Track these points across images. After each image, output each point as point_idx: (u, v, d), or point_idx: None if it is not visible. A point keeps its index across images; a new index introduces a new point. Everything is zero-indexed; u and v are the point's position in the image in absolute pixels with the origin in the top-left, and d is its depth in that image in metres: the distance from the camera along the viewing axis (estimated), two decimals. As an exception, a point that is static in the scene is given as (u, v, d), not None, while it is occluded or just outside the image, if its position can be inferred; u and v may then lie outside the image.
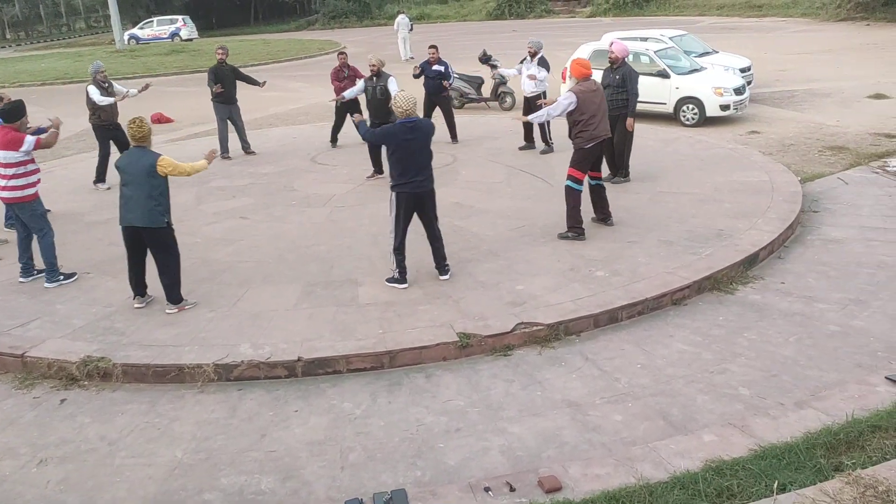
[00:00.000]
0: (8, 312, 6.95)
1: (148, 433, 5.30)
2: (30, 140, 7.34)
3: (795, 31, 29.18)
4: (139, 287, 6.95)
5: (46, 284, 7.51)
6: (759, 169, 10.35)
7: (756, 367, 5.71)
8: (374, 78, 10.41)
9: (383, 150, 9.47)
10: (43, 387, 5.97)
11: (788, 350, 5.94)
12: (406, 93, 6.97)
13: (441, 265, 7.28)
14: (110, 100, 10.69)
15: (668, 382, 5.57)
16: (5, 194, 7.47)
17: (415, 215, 7.09)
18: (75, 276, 7.65)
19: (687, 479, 4.21)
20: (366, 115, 9.54)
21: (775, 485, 3.89)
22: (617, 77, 9.71)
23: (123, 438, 5.24)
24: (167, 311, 6.82)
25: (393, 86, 10.12)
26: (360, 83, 10.89)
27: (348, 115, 11.18)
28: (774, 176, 9.96)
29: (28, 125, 7.67)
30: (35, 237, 7.59)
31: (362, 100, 10.89)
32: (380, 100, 10.25)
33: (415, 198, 6.98)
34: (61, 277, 7.55)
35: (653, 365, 5.83)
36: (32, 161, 7.49)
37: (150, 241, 6.73)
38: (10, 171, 7.35)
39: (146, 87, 11.48)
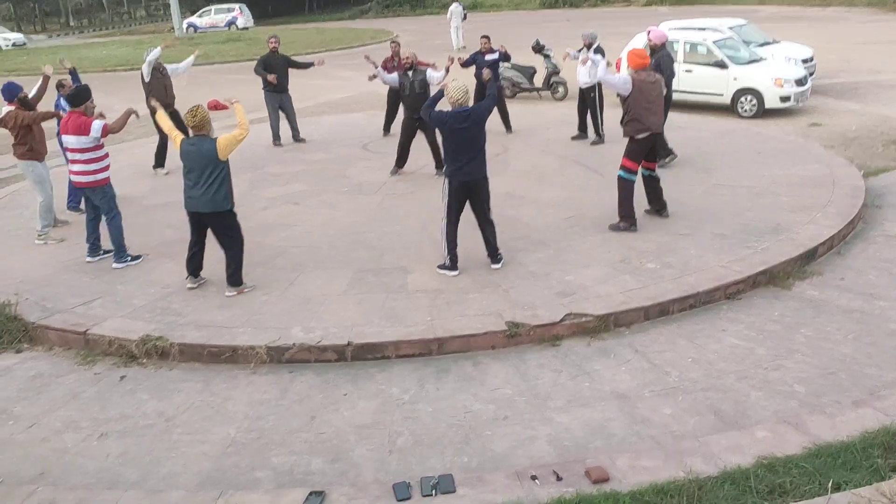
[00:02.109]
0: (72, 291, 7.21)
1: (203, 411, 5.45)
2: (97, 125, 7.57)
3: (861, 21, 28.18)
4: (195, 268, 7.13)
5: (115, 265, 7.76)
6: (820, 162, 10.06)
7: (812, 364, 5.58)
8: (410, 72, 10.00)
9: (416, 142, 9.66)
10: (104, 363, 6.18)
11: (847, 348, 5.79)
12: (458, 81, 6.98)
13: (493, 253, 7.28)
14: (148, 68, 10.85)
15: (720, 377, 5.48)
16: (79, 178, 7.72)
17: (468, 204, 7.11)
18: (141, 258, 7.88)
19: (738, 475, 4.15)
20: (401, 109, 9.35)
21: (830, 483, 3.82)
22: (653, 62, 9.55)
23: (180, 415, 5.40)
24: (227, 293, 6.99)
25: (431, 72, 9.82)
26: (394, 74, 10.37)
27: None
28: (836, 169, 9.67)
29: (94, 106, 7.88)
30: (104, 219, 7.84)
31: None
32: (418, 94, 9.84)
33: (466, 185, 7.00)
34: (129, 258, 7.80)
35: (704, 359, 5.75)
36: (102, 146, 7.73)
37: (215, 225, 6.91)
38: (84, 157, 7.60)
39: (197, 56, 11.99)
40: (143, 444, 5.08)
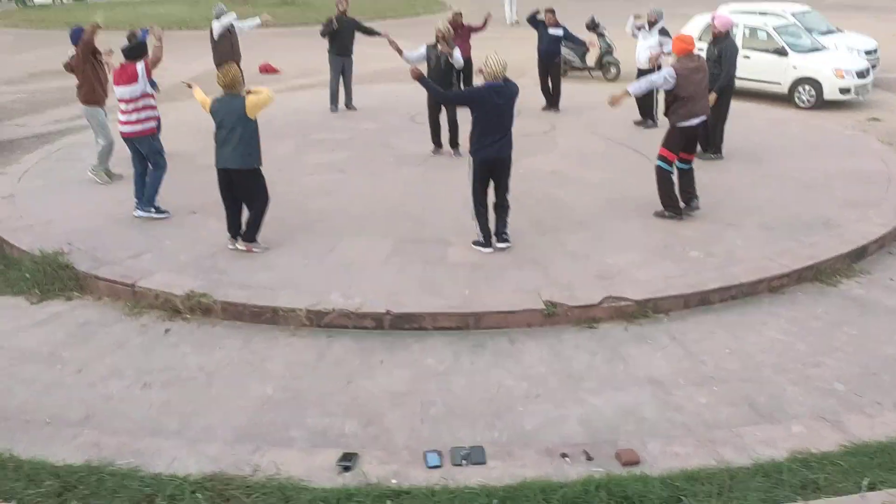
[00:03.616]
0: (121, 244, 7.40)
1: (242, 368, 5.59)
2: (140, 68, 7.78)
3: (931, 14, 27.10)
4: (234, 228, 7.26)
5: (137, 211, 7.98)
6: (877, 158, 9.79)
7: (854, 362, 5.50)
8: (439, 46, 9.69)
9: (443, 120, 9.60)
10: (150, 315, 6.36)
11: (891, 348, 5.68)
12: (498, 55, 6.78)
13: (501, 233, 7.21)
14: (219, 27, 11.24)
15: (758, 370, 5.43)
16: (127, 129, 7.94)
17: None
18: (167, 215, 8.04)
19: (770, 468, 4.13)
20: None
21: (865, 481, 3.78)
22: (715, 51, 9.34)
23: (220, 370, 5.55)
24: (238, 246, 7.15)
25: (458, 55, 9.62)
26: (421, 48, 10.01)
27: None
28: (892, 167, 9.40)
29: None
30: (149, 171, 8.02)
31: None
32: (443, 70, 9.64)
33: (492, 162, 6.95)
34: (153, 210, 7.99)
35: (742, 350, 5.69)
36: (152, 96, 7.94)
37: (241, 181, 7.04)
38: (134, 106, 7.85)
39: (266, 20, 12.43)
40: (184, 396, 5.24)
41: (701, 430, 4.74)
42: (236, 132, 6.82)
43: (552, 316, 6.11)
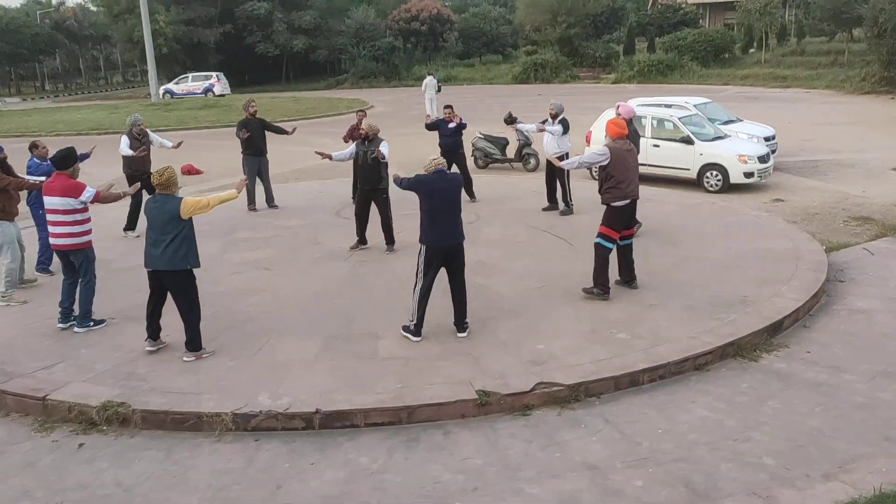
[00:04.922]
0: (34, 355, 7.03)
1: (164, 481, 5.28)
2: (90, 192, 7.56)
3: (820, 103, 29.40)
4: (153, 330, 7.03)
5: (77, 329, 7.61)
6: (784, 237, 10.32)
7: (781, 436, 5.60)
8: (366, 142, 9.95)
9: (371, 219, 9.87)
10: (62, 430, 5.98)
11: (814, 421, 5.82)
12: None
13: (461, 322, 7.30)
14: (130, 152, 11.06)
15: (691, 449, 5.47)
16: (62, 241, 7.62)
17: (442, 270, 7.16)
18: (105, 323, 7.74)
19: (710, 549, 4.10)
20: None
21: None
22: None
23: (140, 485, 5.22)
24: (185, 358, 6.88)
25: (385, 150, 9.82)
26: (351, 146, 10.44)
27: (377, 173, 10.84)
28: (799, 244, 9.92)
29: (80, 169, 7.88)
30: (80, 283, 7.71)
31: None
32: (370, 165, 9.91)
33: (446, 252, 7.06)
34: (92, 323, 7.66)
35: (675, 430, 5.74)
36: (87, 209, 7.69)
37: (171, 285, 6.85)
38: (69, 218, 7.55)
39: (179, 144, 12.14)
40: (100, 516, 4.89)
41: (640, 514, 4.70)
42: (169, 233, 6.68)
43: (485, 405, 6.05)
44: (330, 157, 10.45)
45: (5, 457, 5.64)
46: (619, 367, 6.55)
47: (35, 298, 8.57)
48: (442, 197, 7.04)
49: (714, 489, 4.96)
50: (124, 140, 11.18)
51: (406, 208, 9.51)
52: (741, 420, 5.86)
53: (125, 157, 11.15)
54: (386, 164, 9.96)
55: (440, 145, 12.56)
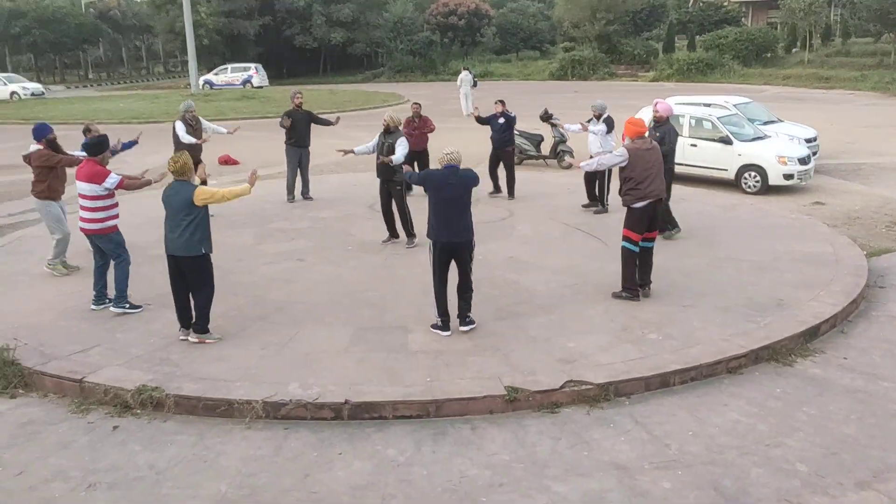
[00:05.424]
0: (71, 338, 7.18)
1: (195, 465, 5.36)
2: (114, 179, 7.70)
3: (864, 105, 28.76)
4: (184, 318, 7.13)
5: (112, 308, 7.77)
6: (823, 240, 10.12)
7: (815, 443, 5.50)
8: (385, 134, 9.98)
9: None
10: (98, 412, 6.11)
11: (850, 428, 5.71)
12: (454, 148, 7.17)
13: (464, 316, 7.26)
14: (192, 139, 11.16)
15: (721, 452, 5.39)
16: (87, 225, 7.82)
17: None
18: (141, 308, 7.88)
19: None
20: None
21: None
22: (657, 134, 9.73)
23: (171, 468, 5.31)
24: (190, 339, 7.01)
25: (401, 152, 9.69)
26: (374, 140, 10.34)
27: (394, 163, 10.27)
28: (839, 248, 9.72)
29: (111, 157, 8.05)
30: (112, 264, 7.89)
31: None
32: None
33: (450, 247, 7.06)
34: (127, 305, 7.80)
35: (705, 433, 5.67)
36: (113, 195, 7.84)
37: (188, 269, 6.97)
38: (93, 204, 7.73)
39: (235, 130, 12.51)
40: (132, 497, 4.98)
41: (668, 516, 4.65)
42: (184, 219, 6.81)
43: (514, 401, 6.04)
44: (353, 152, 10.49)
45: (42, 437, 5.77)
46: (650, 367, 6.49)
47: (75, 279, 8.74)
48: (449, 192, 6.99)
49: (744, 493, 4.89)
50: (180, 126, 11.23)
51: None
52: (774, 425, 5.77)
53: (184, 144, 10.94)
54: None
55: (491, 139, 12.67)
